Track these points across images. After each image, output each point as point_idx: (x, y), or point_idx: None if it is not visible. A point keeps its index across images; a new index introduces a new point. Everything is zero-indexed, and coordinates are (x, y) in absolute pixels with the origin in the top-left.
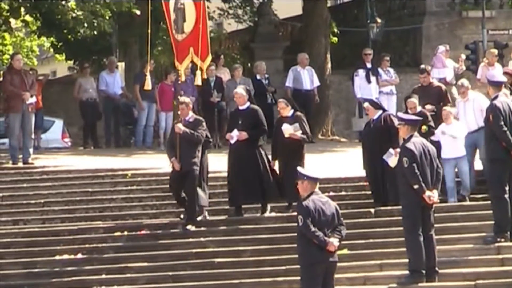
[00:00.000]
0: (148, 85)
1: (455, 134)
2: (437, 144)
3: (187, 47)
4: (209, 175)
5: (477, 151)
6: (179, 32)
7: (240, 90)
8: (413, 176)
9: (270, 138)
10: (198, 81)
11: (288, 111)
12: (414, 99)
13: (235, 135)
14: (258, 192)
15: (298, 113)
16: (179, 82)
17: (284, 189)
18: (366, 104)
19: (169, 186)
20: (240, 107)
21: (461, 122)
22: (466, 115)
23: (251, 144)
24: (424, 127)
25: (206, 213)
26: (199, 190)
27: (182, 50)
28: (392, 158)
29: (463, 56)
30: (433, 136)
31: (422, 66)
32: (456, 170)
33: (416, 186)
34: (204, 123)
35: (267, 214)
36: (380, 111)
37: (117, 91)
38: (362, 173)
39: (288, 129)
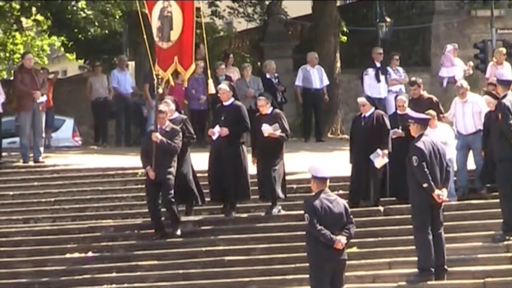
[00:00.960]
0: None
1: (445, 140)
2: None
3: (172, 56)
4: None
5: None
6: (165, 40)
7: (224, 86)
8: (423, 174)
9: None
10: (212, 90)
11: (267, 109)
12: (403, 97)
13: (217, 131)
14: (233, 190)
15: (277, 110)
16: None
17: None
18: (363, 100)
19: (146, 196)
20: (224, 103)
21: (447, 125)
22: (465, 117)
23: (232, 140)
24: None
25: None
26: (194, 188)
27: (167, 58)
28: (378, 159)
29: (471, 63)
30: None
31: (413, 78)
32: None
33: (425, 185)
34: (180, 133)
35: (233, 214)
36: (373, 109)
37: (128, 90)
38: None
39: (267, 129)
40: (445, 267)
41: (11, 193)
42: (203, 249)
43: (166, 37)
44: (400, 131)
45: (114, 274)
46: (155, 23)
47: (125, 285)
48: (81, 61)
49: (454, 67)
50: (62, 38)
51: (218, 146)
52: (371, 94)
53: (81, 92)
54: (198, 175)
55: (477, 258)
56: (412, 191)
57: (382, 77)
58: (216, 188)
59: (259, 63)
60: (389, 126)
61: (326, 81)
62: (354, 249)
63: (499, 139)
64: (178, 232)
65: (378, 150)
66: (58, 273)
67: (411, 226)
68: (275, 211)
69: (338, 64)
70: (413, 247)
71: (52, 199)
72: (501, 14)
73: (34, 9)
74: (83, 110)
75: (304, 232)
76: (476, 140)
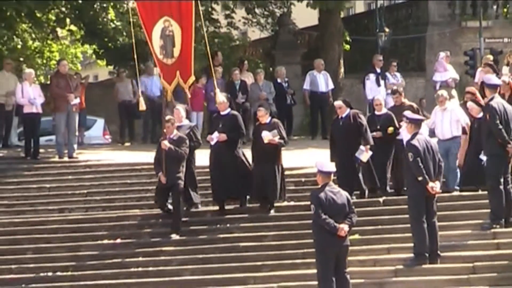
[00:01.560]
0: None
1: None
2: (401, 143)
3: (175, 70)
4: None
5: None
6: (169, 56)
7: (222, 97)
8: (418, 169)
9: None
10: (142, 106)
11: (266, 118)
12: (380, 97)
13: (215, 137)
14: (237, 188)
15: (275, 119)
16: (166, 101)
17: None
18: (339, 103)
19: (155, 196)
20: (222, 113)
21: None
22: (443, 124)
23: (229, 145)
24: (390, 129)
25: (199, 205)
26: (191, 190)
27: (171, 72)
28: (364, 154)
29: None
30: (398, 136)
31: (394, 87)
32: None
33: (420, 178)
34: (187, 140)
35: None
36: (349, 109)
37: (155, 93)
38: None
39: (267, 136)
40: (438, 252)
41: (47, 185)
42: (220, 236)
43: (169, 54)
44: (380, 133)
45: (140, 259)
46: (156, 42)
47: (150, 268)
48: (110, 67)
49: (447, 72)
50: (94, 46)
51: (217, 151)
52: (372, 97)
53: (111, 95)
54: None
55: (467, 244)
56: (408, 184)
57: (381, 82)
58: (218, 189)
59: (271, 69)
60: (365, 123)
61: (331, 85)
62: (356, 236)
63: (488, 137)
64: (174, 236)
65: (361, 147)
66: (90, 257)
67: (407, 216)
68: (272, 211)
69: (342, 70)
70: (410, 234)
71: (85, 191)
72: (488, 25)
73: (68, 20)
74: (112, 111)
75: (310, 221)
76: (452, 145)
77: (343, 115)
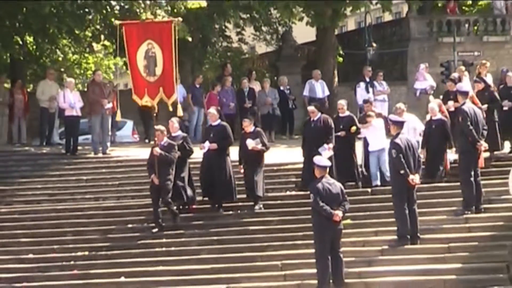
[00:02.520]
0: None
1: (376, 125)
2: (363, 140)
3: (158, 87)
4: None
5: None
6: (152, 75)
7: (213, 110)
8: (400, 164)
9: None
10: (180, 113)
11: (250, 128)
12: (342, 101)
13: (206, 146)
14: (227, 191)
15: (258, 128)
16: (155, 113)
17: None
18: (312, 108)
19: (150, 195)
20: (213, 124)
21: (379, 119)
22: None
23: (219, 153)
24: (353, 128)
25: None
26: (188, 188)
27: (154, 89)
28: (325, 152)
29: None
30: (359, 135)
31: (365, 98)
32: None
33: (402, 172)
34: (176, 147)
35: (221, 211)
36: (320, 114)
37: (179, 98)
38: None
39: (251, 143)
40: (418, 234)
41: (84, 178)
42: (233, 220)
43: (152, 73)
44: (343, 132)
45: (164, 240)
46: (141, 62)
47: (172, 248)
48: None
49: (426, 81)
50: (124, 59)
51: (208, 157)
52: (362, 102)
53: None
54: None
55: (443, 228)
56: (392, 177)
57: (370, 89)
58: (206, 190)
59: (275, 78)
60: (333, 126)
61: (327, 92)
62: (348, 221)
63: (460, 136)
64: (177, 221)
65: (325, 145)
66: (121, 239)
67: (392, 203)
68: (257, 208)
69: (336, 79)
70: (394, 219)
71: (117, 182)
72: (461, 41)
73: (102, 36)
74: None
75: (310, 208)
76: None
77: (315, 118)
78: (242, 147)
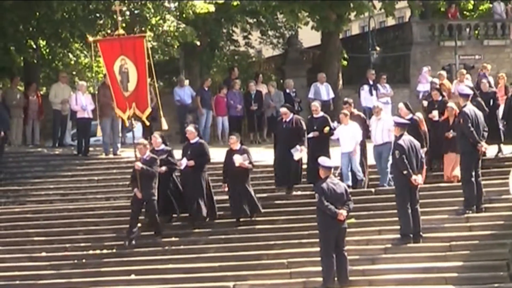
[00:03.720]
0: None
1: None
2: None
3: (130, 102)
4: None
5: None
6: (125, 90)
7: (191, 128)
8: (403, 164)
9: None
10: (164, 126)
11: (237, 145)
12: (316, 103)
13: (184, 163)
14: (201, 208)
15: (244, 146)
16: (126, 128)
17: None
18: (284, 109)
19: (131, 207)
20: (191, 141)
21: (355, 122)
22: (376, 131)
23: (196, 170)
24: (326, 129)
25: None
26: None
27: (125, 104)
28: (297, 153)
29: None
30: (332, 136)
31: (345, 99)
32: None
33: (405, 172)
34: (158, 161)
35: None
36: (292, 115)
37: (187, 100)
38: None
39: (238, 159)
40: (421, 233)
41: (96, 178)
42: (240, 219)
43: (125, 88)
44: (317, 132)
45: (173, 239)
46: (117, 77)
47: (181, 246)
48: (148, 80)
49: (428, 84)
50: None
51: (185, 175)
52: (366, 104)
53: None
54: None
55: (444, 227)
56: (395, 177)
57: (374, 92)
58: (184, 206)
59: (281, 81)
60: (305, 128)
61: (331, 95)
62: (352, 220)
63: (461, 138)
64: (159, 237)
65: (297, 146)
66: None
67: (395, 203)
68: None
69: (341, 82)
70: (397, 218)
71: (127, 183)
72: (462, 45)
73: None
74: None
75: (315, 207)
76: (383, 150)
77: (287, 119)
78: (226, 164)
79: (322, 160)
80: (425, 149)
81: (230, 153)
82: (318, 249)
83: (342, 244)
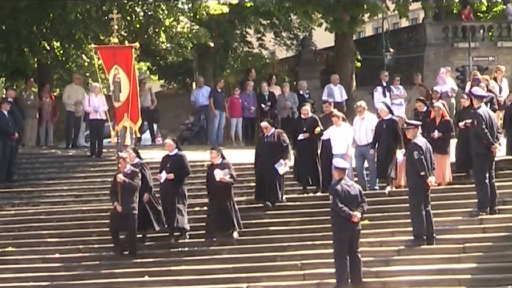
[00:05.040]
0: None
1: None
2: (327, 143)
3: (122, 113)
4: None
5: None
6: (116, 100)
7: (169, 140)
8: (421, 165)
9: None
10: (127, 142)
11: (218, 160)
12: (307, 107)
13: (163, 176)
14: (181, 221)
15: (226, 161)
16: (118, 142)
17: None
18: (265, 124)
19: (109, 223)
20: (170, 154)
21: (347, 124)
22: (360, 131)
23: (175, 183)
24: (317, 129)
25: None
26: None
27: (118, 114)
28: (281, 168)
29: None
30: (322, 137)
31: (325, 98)
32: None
33: (422, 173)
34: (139, 174)
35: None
36: (274, 129)
37: (204, 102)
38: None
39: (218, 174)
40: (434, 235)
41: (109, 179)
42: (253, 221)
43: (117, 98)
44: (307, 134)
45: (187, 240)
46: (111, 87)
47: (195, 248)
48: (162, 81)
49: (446, 85)
50: (148, 63)
51: (164, 188)
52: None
53: (162, 104)
54: (245, 166)
55: (458, 229)
56: (410, 178)
57: (387, 93)
58: (166, 217)
59: (295, 83)
60: (287, 141)
61: (345, 96)
62: (366, 222)
63: (475, 139)
64: (132, 258)
65: (281, 160)
66: (146, 239)
67: (408, 204)
68: (235, 235)
69: (354, 83)
70: (410, 220)
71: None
72: (476, 46)
73: (126, 42)
74: (163, 118)
75: (328, 209)
76: (367, 150)
77: (269, 134)
78: (208, 179)
79: (336, 161)
80: (403, 150)
81: (212, 168)
82: (331, 250)
83: (356, 245)
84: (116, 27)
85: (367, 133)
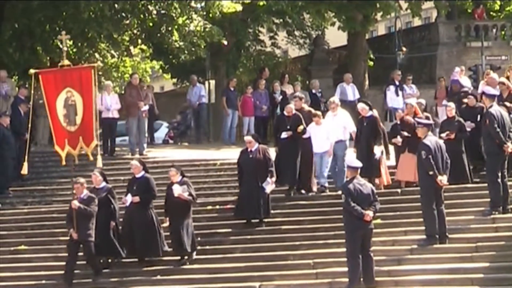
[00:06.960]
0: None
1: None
2: (308, 141)
3: (78, 136)
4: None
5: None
6: (72, 124)
7: (135, 162)
8: (429, 164)
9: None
10: (99, 164)
11: (177, 178)
12: (291, 105)
13: (129, 199)
14: (150, 247)
15: (185, 179)
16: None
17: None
18: (248, 138)
19: (67, 249)
20: (136, 176)
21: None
22: (332, 127)
23: (142, 206)
24: (300, 127)
25: (194, 255)
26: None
27: (74, 138)
28: (269, 186)
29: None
30: (304, 135)
31: (296, 93)
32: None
33: (431, 172)
34: (96, 200)
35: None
36: (257, 144)
37: (200, 100)
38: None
39: (177, 190)
40: (447, 234)
41: (122, 178)
42: (265, 220)
43: (73, 122)
44: (290, 132)
45: (199, 239)
46: (61, 111)
47: (207, 247)
48: (174, 80)
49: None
50: (161, 62)
51: (130, 211)
52: (392, 105)
53: (175, 103)
54: None
55: (470, 228)
56: (421, 177)
57: (400, 92)
58: (128, 246)
59: (307, 82)
60: (272, 158)
61: (357, 95)
62: (378, 221)
63: (486, 138)
64: (98, 279)
65: (268, 179)
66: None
67: (420, 204)
68: (186, 262)
69: (367, 82)
70: (422, 219)
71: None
72: (489, 45)
73: (139, 40)
74: (175, 116)
75: (341, 208)
76: (338, 148)
77: (253, 149)
78: (167, 197)
79: (349, 160)
80: (382, 147)
81: (170, 186)
82: (344, 249)
83: (368, 244)
84: (65, 48)
85: (338, 130)
